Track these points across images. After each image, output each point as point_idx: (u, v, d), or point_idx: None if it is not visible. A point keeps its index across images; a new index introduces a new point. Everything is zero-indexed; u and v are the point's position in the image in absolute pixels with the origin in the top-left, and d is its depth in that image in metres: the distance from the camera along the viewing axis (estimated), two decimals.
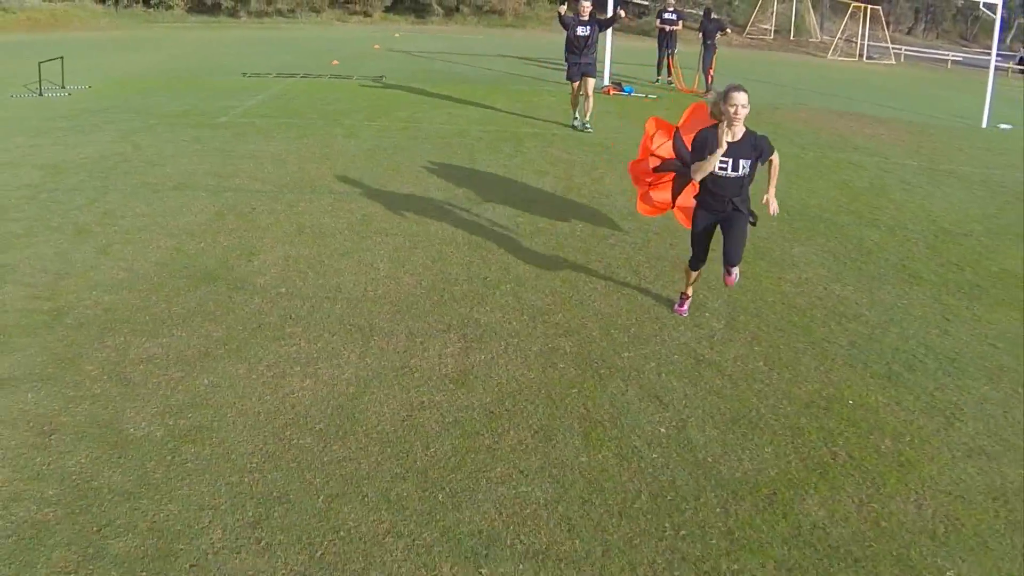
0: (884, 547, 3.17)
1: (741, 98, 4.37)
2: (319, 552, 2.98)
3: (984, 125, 15.14)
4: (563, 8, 10.85)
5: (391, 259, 5.91)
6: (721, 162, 4.47)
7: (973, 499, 3.52)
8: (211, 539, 3.02)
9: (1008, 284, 6.24)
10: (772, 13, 33.00)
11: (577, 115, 11.18)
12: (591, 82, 10.73)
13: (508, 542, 3.08)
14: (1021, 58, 35.21)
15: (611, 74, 15.39)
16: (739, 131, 4.47)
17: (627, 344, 4.78)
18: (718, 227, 4.85)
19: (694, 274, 5.05)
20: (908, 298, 5.79)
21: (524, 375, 4.35)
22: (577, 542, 3.10)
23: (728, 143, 4.44)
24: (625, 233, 6.82)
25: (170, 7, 30.93)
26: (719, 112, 4.50)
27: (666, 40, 16.38)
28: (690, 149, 4.86)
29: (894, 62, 29.13)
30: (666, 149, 5.56)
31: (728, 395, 4.26)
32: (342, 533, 3.09)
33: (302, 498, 3.26)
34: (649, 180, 5.68)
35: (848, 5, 30.32)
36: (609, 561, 3.01)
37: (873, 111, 15.61)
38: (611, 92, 14.67)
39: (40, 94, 12.67)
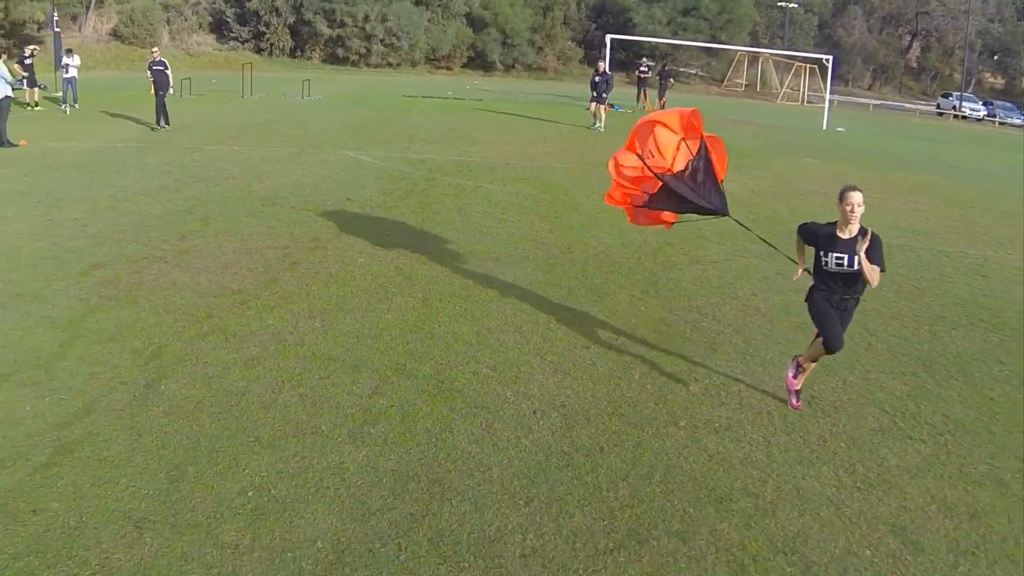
0: None
1: (856, 197, 4.56)
2: None
3: (824, 128, 26.32)
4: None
5: (518, 135, 17.37)
6: (837, 258, 4.64)
7: None
8: None
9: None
10: (743, 72, 44.86)
11: (595, 121, 21.55)
12: (603, 107, 21.21)
13: None
14: (938, 104, 46.47)
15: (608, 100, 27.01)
16: (855, 228, 4.63)
17: None
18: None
19: (813, 364, 4.99)
20: None
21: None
22: None
23: (843, 239, 4.64)
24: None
25: (309, 58, 43.53)
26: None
27: (641, 83, 28.09)
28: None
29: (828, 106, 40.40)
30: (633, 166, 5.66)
31: None
32: None
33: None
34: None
35: (793, 64, 42.19)
36: None
37: (762, 122, 26.82)
38: (607, 109, 26.20)
39: (302, 97, 24.54)
